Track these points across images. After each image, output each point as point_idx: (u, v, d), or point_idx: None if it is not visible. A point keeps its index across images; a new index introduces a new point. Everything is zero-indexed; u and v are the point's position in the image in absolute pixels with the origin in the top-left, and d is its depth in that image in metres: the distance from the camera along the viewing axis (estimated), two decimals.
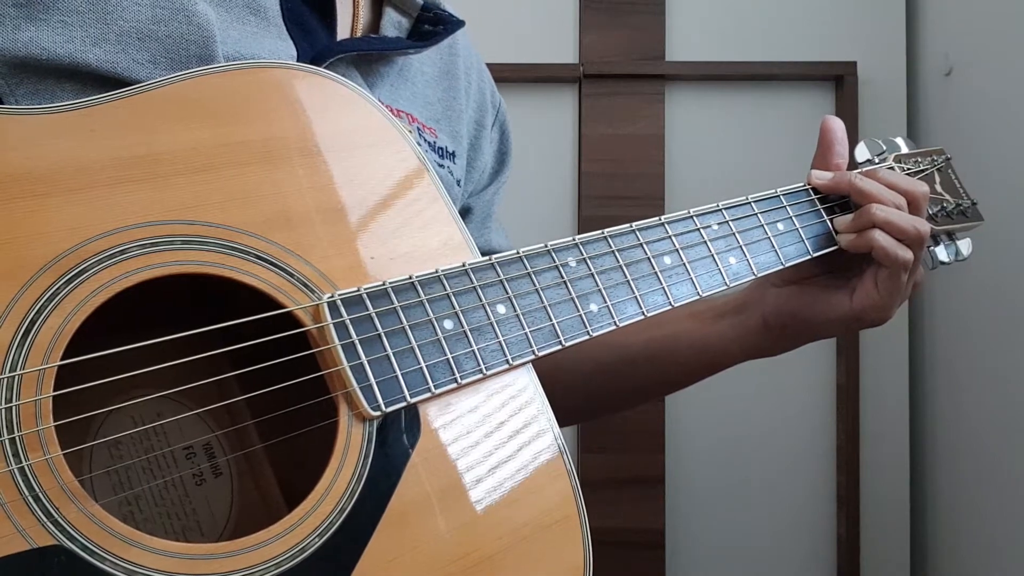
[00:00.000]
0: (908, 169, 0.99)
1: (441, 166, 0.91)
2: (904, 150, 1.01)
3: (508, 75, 1.90)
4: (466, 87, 0.99)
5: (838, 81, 2.01)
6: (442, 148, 0.92)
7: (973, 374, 1.80)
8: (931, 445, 1.96)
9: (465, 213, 1.01)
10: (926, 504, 1.97)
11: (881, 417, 1.99)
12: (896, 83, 2.02)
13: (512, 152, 1.08)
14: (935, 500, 1.95)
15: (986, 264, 1.02)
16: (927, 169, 1.00)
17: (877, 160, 1.00)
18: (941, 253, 1.00)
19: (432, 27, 0.90)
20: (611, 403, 1.12)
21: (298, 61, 0.76)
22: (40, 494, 0.52)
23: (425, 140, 0.90)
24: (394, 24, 0.89)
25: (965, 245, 1.01)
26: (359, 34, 0.87)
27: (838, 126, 0.96)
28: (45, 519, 0.51)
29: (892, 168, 0.98)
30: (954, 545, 1.88)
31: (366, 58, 0.84)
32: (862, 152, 1.00)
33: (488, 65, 1.06)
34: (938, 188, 1.00)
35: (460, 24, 0.91)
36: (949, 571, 1.89)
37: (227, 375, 0.61)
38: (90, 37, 0.65)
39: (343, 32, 0.85)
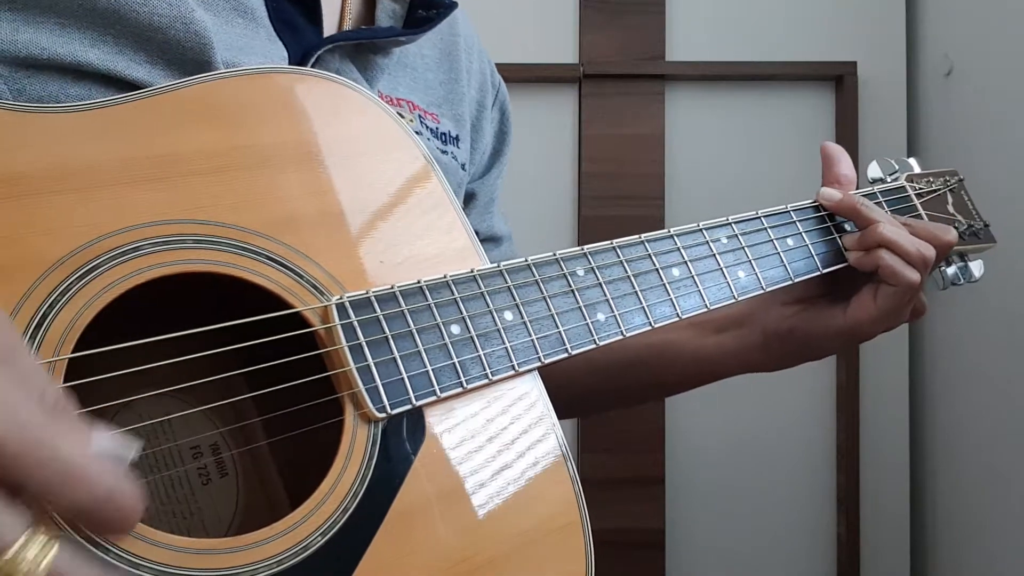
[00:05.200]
0: (920, 189, 0.99)
1: (444, 152, 0.91)
2: (917, 170, 1.01)
3: (508, 75, 1.87)
4: (467, 67, 0.99)
5: (838, 81, 2.01)
6: (445, 133, 0.92)
7: (973, 374, 1.80)
8: (931, 445, 1.97)
9: (469, 199, 1.01)
10: (926, 504, 1.98)
11: (881, 417, 2.00)
12: (896, 83, 2.02)
13: (512, 132, 1.07)
14: (935, 500, 1.95)
15: (986, 265, 1.02)
16: (939, 189, 1.00)
17: (889, 179, 0.99)
18: (953, 274, 0.99)
19: (425, 12, 0.89)
20: (603, 403, 1.13)
21: (289, 61, 0.76)
22: None
23: (427, 126, 0.89)
24: (388, 13, 0.89)
25: (977, 266, 1.01)
26: (349, 27, 0.87)
27: (834, 149, 0.96)
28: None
29: (903, 187, 0.98)
30: (954, 545, 1.88)
31: (362, 50, 0.84)
32: (874, 171, 1.00)
33: None
34: (950, 209, 1.00)
35: (453, 6, 0.90)
36: (949, 571, 1.90)
37: (237, 372, 0.61)
38: (87, 39, 0.65)
39: (332, 27, 0.85)
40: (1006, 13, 1.71)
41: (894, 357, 2.00)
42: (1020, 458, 1.62)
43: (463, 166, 0.95)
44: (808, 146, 1.96)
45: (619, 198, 2.00)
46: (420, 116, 0.89)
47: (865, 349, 1.99)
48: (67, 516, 0.45)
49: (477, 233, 0.99)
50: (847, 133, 1.97)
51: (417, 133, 0.86)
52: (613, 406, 1.20)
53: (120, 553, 0.52)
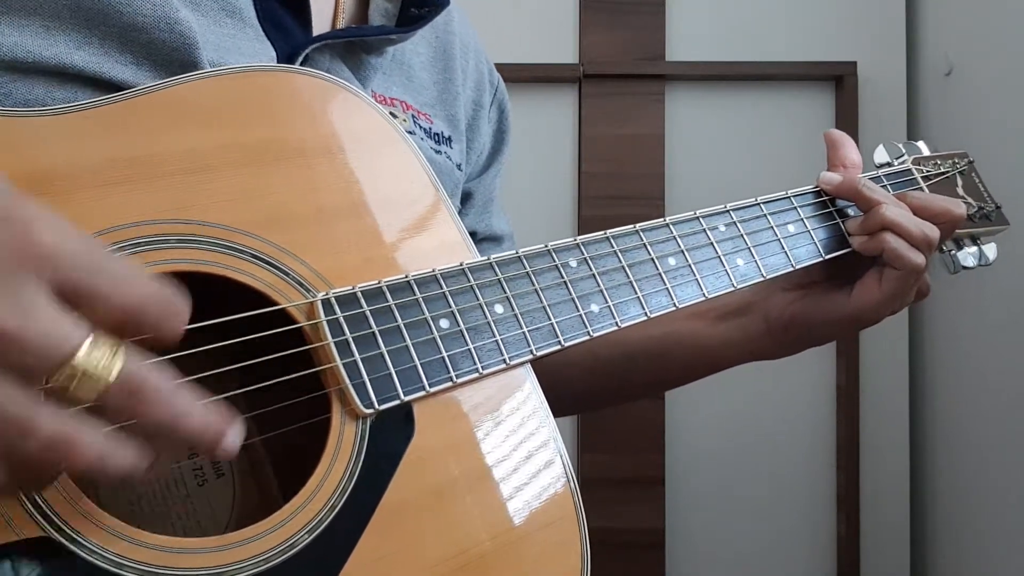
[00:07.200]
0: (928, 172, 0.97)
1: (438, 152, 0.90)
2: (924, 153, 0.99)
3: (508, 75, 1.87)
4: (463, 66, 0.98)
5: (838, 81, 2.01)
6: (438, 134, 0.91)
7: (973, 374, 1.80)
8: (931, 445, 1.96)
9: (466, 198, 1.00)
10: (926, 504, 1.97)
11: (881, 417, 1.99)
12: (896, 83, 2.02)
13: (511, 131, 1.06)
14: (935, 500, 1.94)
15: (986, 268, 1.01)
16: (948, 172, 0.98)
17: (896, 163, 0.98)
18: (965, 258, 0.97)
19: (417, 10, 0.88)
20: (607, 397, 1.11)
21: (277, 60, 0.76)
22: None
23: (420, 126, 0.89)
24: (381, 11, 0.88)
25: (990, 249, 0.98)
26: (341, 26, 0.86)
27: (838, 134, 0.96)
28: (33, 510, 0.51)
29: (909, 170, 0.97)
30: (954, 545, 1.87)
31: (353, 50, 0.83)
32: (880, 155, 0.98)
33: None
34: (960, 191, 0.98)
35: (445, 3, 0.89)
36: (949, 571, 1.89)
37: (225, 369, 0.61)
38: (73, 41, 0.65)
39: (323, 27, 0.84)
40: (1006, 13, 1.70)
41: (894, 357, 2.00)
42: (1020, 458, 1.62)
43: (459, 166, 0.94)
44: (808, 146, 1.96)
45: (619, 198, 2.00)
46: (413, 116, 0.88)
47: (865, 348, 1.98)
48: (119, 324, 0.47)
49: (476, 233, 0.99)
50: (847, 133, 1.96)
51: (410, 133, 0.86)
52: (617, 400, 1.19)
53: (103, 553, 0.52)
